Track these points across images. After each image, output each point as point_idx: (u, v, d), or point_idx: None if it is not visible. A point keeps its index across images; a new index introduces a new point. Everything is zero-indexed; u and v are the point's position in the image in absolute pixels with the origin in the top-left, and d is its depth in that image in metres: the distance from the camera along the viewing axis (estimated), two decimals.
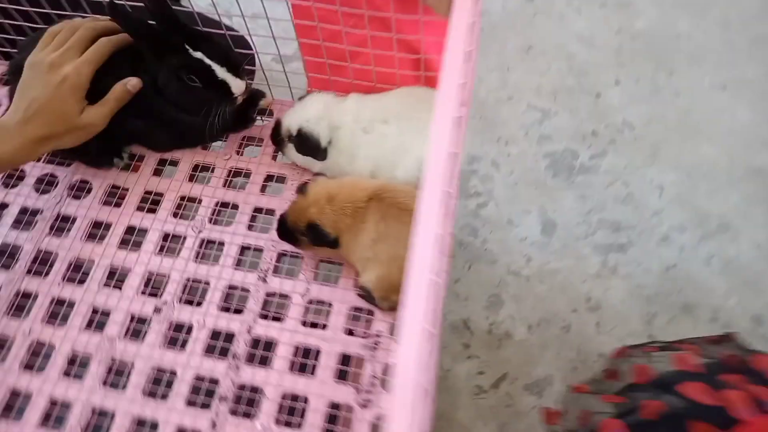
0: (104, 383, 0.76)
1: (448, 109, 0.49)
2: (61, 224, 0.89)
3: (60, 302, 0.82)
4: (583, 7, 2.20)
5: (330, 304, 0.81)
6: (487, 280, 1.69)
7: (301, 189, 0.78)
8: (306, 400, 0.73)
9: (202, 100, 0.83)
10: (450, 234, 0.54)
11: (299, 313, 0.80)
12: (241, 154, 0.95)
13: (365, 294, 0.79)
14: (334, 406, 0.73)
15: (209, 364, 0.76)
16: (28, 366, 0.78)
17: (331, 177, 0.88)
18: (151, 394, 0.75)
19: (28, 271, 0.85)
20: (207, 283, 0.83)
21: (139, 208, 0.90)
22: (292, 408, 0.73)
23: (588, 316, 1.63)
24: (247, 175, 0.93)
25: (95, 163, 0.93)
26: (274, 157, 0.95)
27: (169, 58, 0.81)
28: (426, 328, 0.42)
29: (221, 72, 0.82)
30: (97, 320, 0.81)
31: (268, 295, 0.82)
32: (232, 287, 0.83)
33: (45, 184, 0.93)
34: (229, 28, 0.91)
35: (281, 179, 0.93)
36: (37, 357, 0.79)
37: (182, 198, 0.91)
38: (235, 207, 0.90)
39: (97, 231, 0.88)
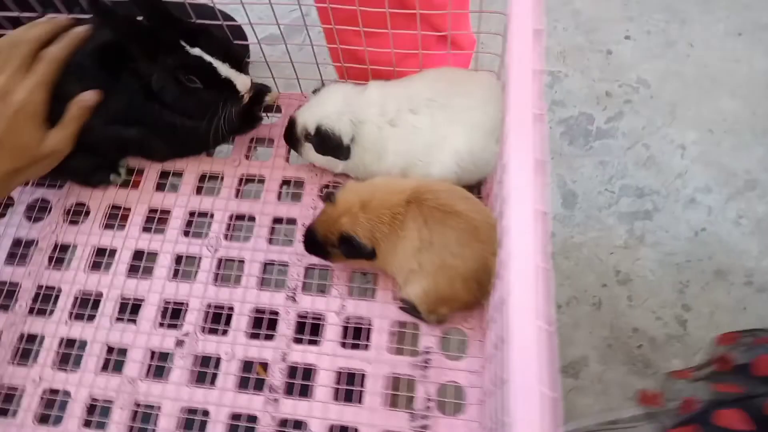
0: None
1: (524, 105, 0.40)
2: (60, 255, 0.80)
3: (70, 343, 0.74)
4: None
5: (369, 321, 0.73)
6: None
7: (329, 197, 0.69)
8: None
9: (204, 103, 0.73)
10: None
11: (337, 333, 0.72)
12: (251, 159, 0.86)
13: (408, 307, 0.72)
14: None
15: (244, 400, 0.69)
16: (43, 419, 0.70)
17: (356, 178, 0.80)
18: None
19: (30, 311, 0.76)
20: (231, 309, 0.75)
21: (145, 229, 0.81)
22: None
23: (618, 289, 1.56)
24: (261, 181, 0.84)
25: (90, 181, 0.83)
26: (288, 159, 0.85)
27: (164, 57, 0.70)
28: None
29: (224, 69, 0.71)
30: (114, 360, 0.73)
31: (300, 316, 0.74)
32: (259, 310, 0.74)
33: (37, 211, 0.84)
34: (225, 17, 0.80)
35: (299, 183, 0.83)
36: (51, 408, 0.71)
37: (191, 213, 0.82)
38: (252, 219, 0.81)
39: (102, 259, 0.79)
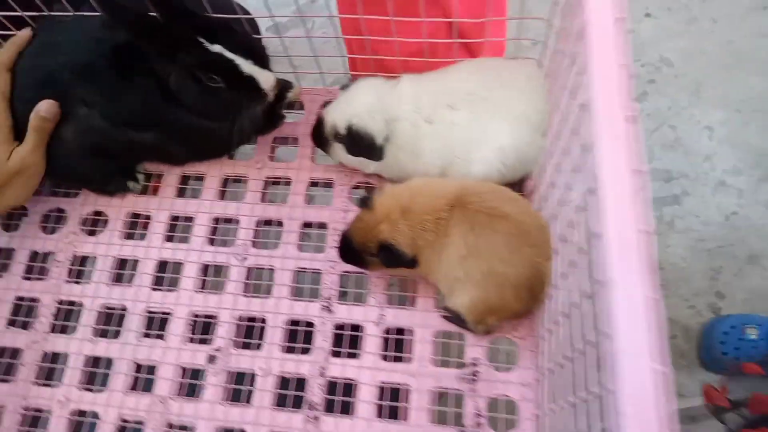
0: None
1: (613, 106, 0.35)
2: (80, 267, 0.76)
3: (96, 361, 0.71)
4: None
5: (411, 331, 0.69)
6: None
7: (365, 202, 0.65)
8: None
9: (227, 103, 0.68)
10: None
11: (377, 345, 0.68)
12: (275, 160, 0.81)
13: (453, 316, 0.67)
14: None
15: (283, 419, 0.65)
16: None
17: (389, 178, 0.75)
18: None
19: (52, 328, 0.73)
20: (263, 321, 0.71)
21: (168, 238, 0.76)
22: None
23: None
24: (287, 183, 0.79)
25: (107, 189, 0.79)
26: (313, 158, 0.81)
27: (182, 56, 0.65)
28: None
29: (247, 66, 0.67)
30: (143, 379, 0.69)
31: (337, 327, 0.70)
32: (293, 322, 0.70)
33: (53, 222, 0.80)
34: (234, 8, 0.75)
35: (328, 184, 0.79)
36: (79, 431, 0.68)
37: (216, 220, 0.77)
38: (280, 224, 0.76)
39: (123, 271, 0.75)
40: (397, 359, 0.67)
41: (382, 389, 0.66)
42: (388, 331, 0.69)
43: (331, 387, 0.66)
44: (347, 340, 0.69)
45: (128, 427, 0.68)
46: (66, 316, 0.73)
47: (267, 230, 0.77)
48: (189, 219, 0.77)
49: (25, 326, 0.73)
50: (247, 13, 0.78)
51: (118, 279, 0.75)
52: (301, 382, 0.67)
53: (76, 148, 0.71)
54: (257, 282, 0.74)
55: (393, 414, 0.65)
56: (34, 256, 0.77)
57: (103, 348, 0.71)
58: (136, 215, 0.78)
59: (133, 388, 0.69)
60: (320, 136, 0.73)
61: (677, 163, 1.65)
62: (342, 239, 0.67)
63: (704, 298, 1.46)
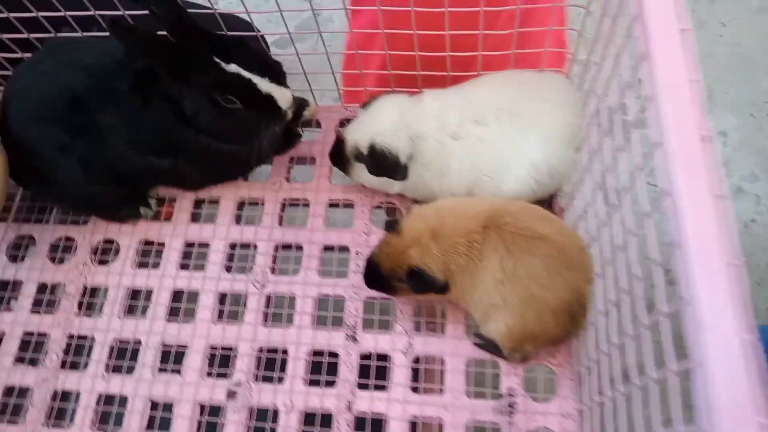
0: None
1: (686, 125, 0.32)
2: (91, 299, 0.73)
3: (109, 400, 0.67)
4: None
5: (441, 360, 0.65)
6: None
7: (392, 225, 0.62)
8: None
9: (245, 124, 0.65)
10: None
11: (406, 376, 0.64)
12: (292, 181, 0.78)
13: (486, 343, 0.64)
14: None
15: None
16: None
17: (413, 199, 0.72)
18: None
19: (63, 365, 0.69)
20: (285, 352, 0.67)
21: (183, 266, 0.73)
22: None
23: (669, 291, 1.48)
24: (306, 205, 0.76)
25: (118, 216, 0.76)
26: (330, 178, 0.77)
27: (196, 77, 0.62)
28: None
29: (264, 84, 0.64)
30: (159, 417, 0.66)
31: (363, 357, 0.66)
32: (316, 352, 0.67)
33: (61, 251, 0.76)
34: (243, 25, 0.72)
35: (348, 205, 0.76)
36: None
37: (232, 246, 0.74)
38: (299, 248, 0.73)
39: (137, 302, 0.72)
40: (428, 390, 0.64)
41: (414, 424, 0.62)
42: (417, 361, 0.65)
43: (359, 422, 0.63)
44: (374, 371, 0.65)
45: None
46: (77, 351, 0.70)
47: (286, 255, 0.74)
48: (204, 245, 0.74)
49: (33, 363, 0.70)
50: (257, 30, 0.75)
51: (131, 311, 0.72)
52: (327, 418, 0.63)
53: (89, 174, 0.67)
54: (277, 311, 0.70)
55: None
56: (42, 288, 0.74)
57: (116, 385, 0.67)
58: (148, 242, 0.75)
59: (149, 427, 0.65)
60: (340, 156, 0.70)
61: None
62: (367, 264, 0.64)
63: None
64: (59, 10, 0.68)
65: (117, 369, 0.68)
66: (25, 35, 0.71)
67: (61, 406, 0.67)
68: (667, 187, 0.35)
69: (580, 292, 0.58)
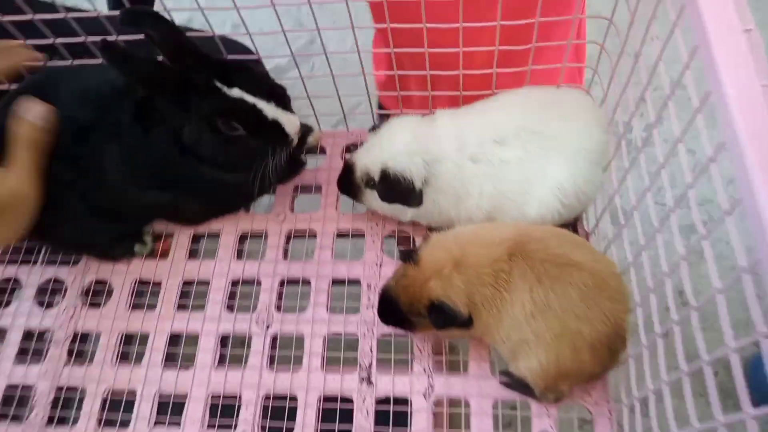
0: None
1: (762, 141, 0.27)
2: (81, 346, 0.67)
3: None
4: None
5: (466, 403, 0.59)
6: None
7: (409, 255, 0.57)
8: None
9: (250, 152, 0.61)
10: None
11: (427, 421, 0.58)
12: (296, 211, 0.73)
13: (515, 383, 0.58)
14: None
15: None
16: None
17: (428, 226, 0.67)
18: None
19: (50, 421, 0.63)
20: (294, 399, 0.61)
21: (181, 307, 0.68)
22: None
23: (684, 312, 1.42)
24: (312, 236, 0.71)
25: (111, 255, 0.70)
26: (336, 207, 0.73)
27: (197, 103, 0.58)
28: None
29: (270, 110, 0.59)
30: None
31: (379, 401, 0.60)
32: (328, 398, 0.61)
33: (50, 294, 0.71)
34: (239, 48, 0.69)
35: (358, 234, 0.71)
36: None
37: (234, 283, 0.69)
38: (306, 283, 0.68)
39: (131, 348, 0.66)
40: None
41: None
42: (439, 404, 0.59)
43: None
44: (393, 417, 0.59)
45: None
46: (65, 404, 0.64)
47: (292, 291, 0.68)
48: (204, 283, 0.69)
49: (17, 419, 0.63)
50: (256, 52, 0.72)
51: (124, 357, 0.66)
52: None
53: (82, 210, 0.62)
54: (284, 352, 0.64)
55: None
56: (28, 336, 0.68)
57: None
58: (144, 282, 0.70)
59: None
60: (349, 183, 0.66)
61: (702, 188, 1.58)
62: (382, 298, 0.59)
63: (744, 330, 1.37)
64: (47, 37, 0.64)
65: (110, 423, 0.62)
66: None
67: None
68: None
69: (619, 324, 0.53)
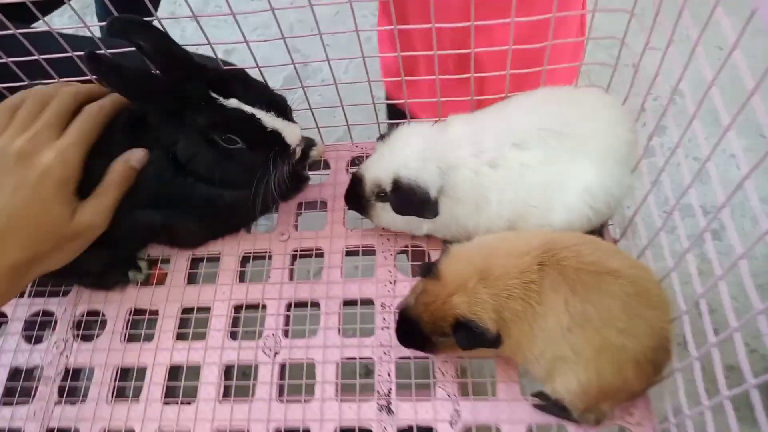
0: None
1: None
2: (74, 383, 0.61)
3: None
4: None
5: (497, 430, 0.54)
6: None
7: (429, 270, 0.52)
8: None
9: (250, 166, 0.57)
10: None
11: None
12: (301, 229, 0.69)
13: (549, 405, 0.53)
14: None
15: None
16: None
17: (444, 239, 0.63)
18: None
19: None
20: None
21: (180, 336, 0.62)
22: None
23: (700, 323, 1.38)
24: (319, 255, 0.66)
25: (104, 283, 0.65)
26: (344, 223, 0.68)
27: (192, 116, 0.54)
28: None
29: (269, 120, 0.55)
30: None
31: (401, 431, 0.55)
32: (344, 430, 0.56)
33: (38, 328, 0.65)
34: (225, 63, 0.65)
35: (368, 251, 0.66)
36: None
37: (237, 308, 0.64)
38: (315, 305, 0.63)
39: (127, 383, 0.61)
40: None
41: None
42: None
43: None
44: None
45: None
46: None
47: (300, 314, 0.63)
48: (204, 309, 0.64)
49: None
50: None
51: (120, 393, 0.60)
52: None
53: None
54: (294, 381, 0.59)
55: None
56: (15, 374, 0.62)
57: None
58: (139, 311, 0.65)
59: None
60: (358, 197, 0.61)
61: (709, 197, 1.55)
62: (400, 318, 0.54)
63: (761, 339, 1.32)
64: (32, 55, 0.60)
65: None
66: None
67: None
68: None
69: (664, 335, 0.48)
